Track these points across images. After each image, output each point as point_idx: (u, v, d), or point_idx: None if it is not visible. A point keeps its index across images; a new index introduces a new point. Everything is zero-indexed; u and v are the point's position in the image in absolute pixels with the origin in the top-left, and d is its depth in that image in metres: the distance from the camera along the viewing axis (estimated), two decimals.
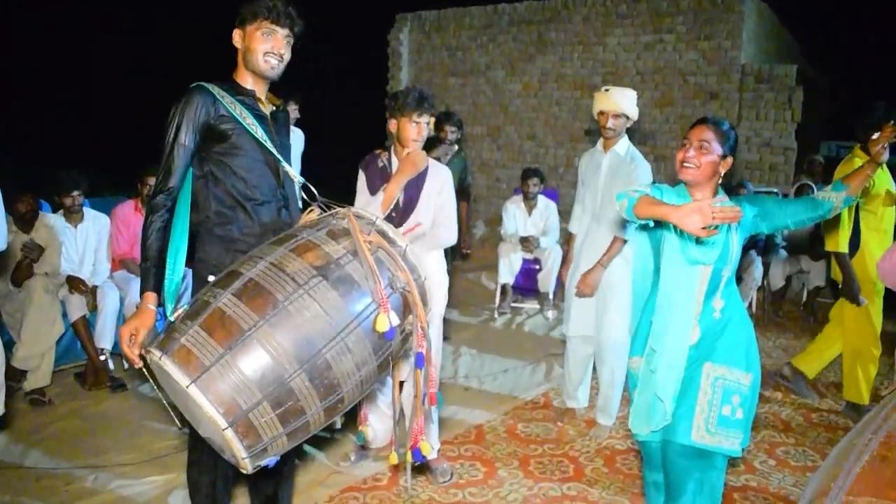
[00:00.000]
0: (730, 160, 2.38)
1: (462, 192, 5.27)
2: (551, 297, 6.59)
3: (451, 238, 3.33)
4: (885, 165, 2.97)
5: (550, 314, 6.46)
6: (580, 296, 3.81)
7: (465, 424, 4.04)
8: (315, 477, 3.35)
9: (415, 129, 3.26)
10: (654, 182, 3.46)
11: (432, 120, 3.36)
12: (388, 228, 2.06)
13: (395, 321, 1.89)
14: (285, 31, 2.32)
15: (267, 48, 2.31)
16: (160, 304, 2.19)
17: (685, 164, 2.35)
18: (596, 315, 3.85)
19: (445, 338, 4.69)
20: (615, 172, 3.73)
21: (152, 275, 2.21)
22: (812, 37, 10.27)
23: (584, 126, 8.84)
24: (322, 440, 3.64)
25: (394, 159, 3.37)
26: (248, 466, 1.81)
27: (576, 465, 3.58)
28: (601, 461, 3.62)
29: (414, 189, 3.28)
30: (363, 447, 3.53)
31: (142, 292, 2.21)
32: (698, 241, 2.28)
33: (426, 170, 3.33)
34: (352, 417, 3.48)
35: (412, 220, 3.27)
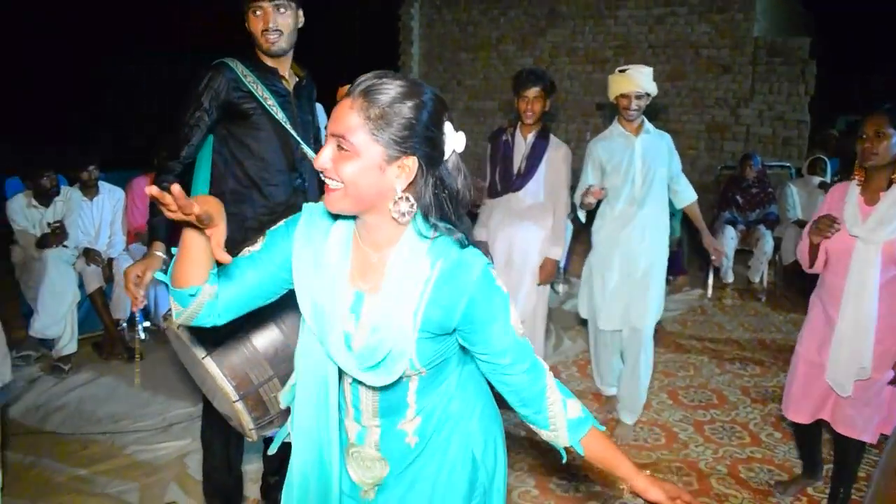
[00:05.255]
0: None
1: None
2: (562, 270, 6.62)
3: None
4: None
5: (561, 288, 6.49)
6: (718, 260, 3.96)
7: None
8: None
9: (523, 103, 3.59)
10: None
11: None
12: None
13: None
14: (272, 3, 2.31)
15: (262, 26, 2.33)
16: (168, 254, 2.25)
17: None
18: (631, 297, 3.59)
19: None
20: (655, 153, 3.54)
21: (161, 228, 2.28)
22: (826, 8, 10.11)
23: (595, 100, 8.81)
24: None
25: (518, 135, 3.73)
26: (253, 436, 1.88)
27: None
28: (607, 431, 3.67)
29: (535, 157, 3.64)
30: None
31: (150, 241, 2.27)
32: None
33: (548, 140, 3.72)
34: None
35: (531, 185, 3.71)
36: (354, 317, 1.38)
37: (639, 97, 3.46)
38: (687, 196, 3.73)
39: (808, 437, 3.10)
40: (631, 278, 3.56)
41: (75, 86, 12.86)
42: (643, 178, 3.54)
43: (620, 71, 3.50)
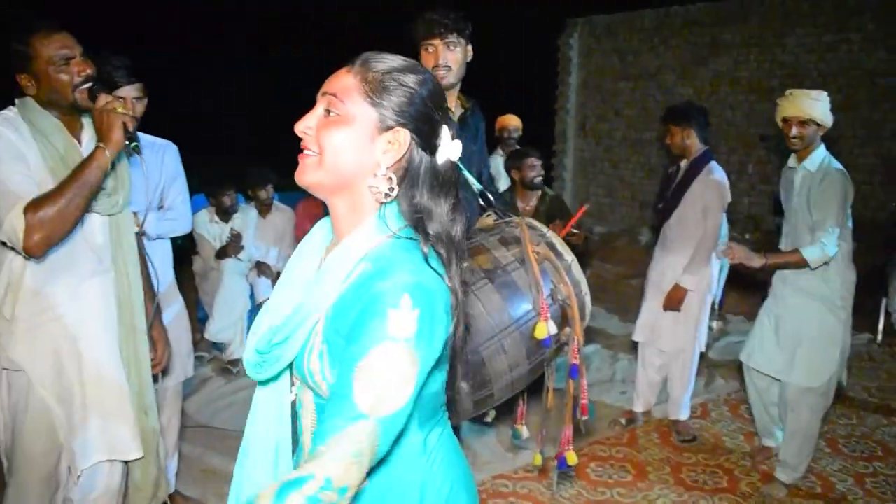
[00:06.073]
0: None
1: None
2: (716, 307, 6.39)
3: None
4: None
5: (715, 324, 6.26)
6: (730, 255, 3.22)
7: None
8: (471, 462, 3.46)
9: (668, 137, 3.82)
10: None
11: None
12: (558, 242, 2.13)
13: (554, 330, 1.97)
14: (442, 41, 2.46)
15: (433, 62, 2.49)
16: None
17: None
18: (782, 346, 3.32)
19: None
20: (806, 192, 3.19)
21: None
22: None
23: (759, 132, 8.46)
24: (478, 428, 3.79)
25: (682, 164, 3.79)
26: None
27: (731, 477, 3.50)
28: (757, 476, 3.51)
29: (683, 186, 3.65)
30: (518, 445, 3.65)
31: None
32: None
33: (701, 169, 3.68)
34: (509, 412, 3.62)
35: (678, 214, 3.67)
36: None
37: (802, 123, 3.13)
38: (812, 252, 3.07)
39: None
40: (781, 327, 3.34)
41: (283, 112, 13.84)
42: (795, 217, 3.29)
43: (789, 93, 3.25)
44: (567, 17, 10.33)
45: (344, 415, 1.05)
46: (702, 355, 4.09)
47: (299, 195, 5.78)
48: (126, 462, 2.26)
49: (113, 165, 2.04)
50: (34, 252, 1.90)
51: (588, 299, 2.15)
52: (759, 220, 7.85)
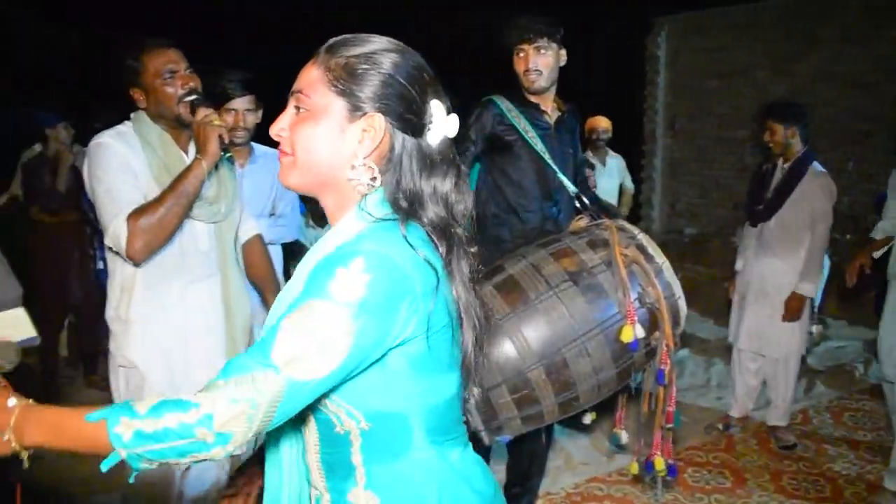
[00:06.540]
0: None
1: None
2: (815, 310, 6.18)
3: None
4: None
5: (815, 328, 6.05)
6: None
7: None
8: (564, 464, 3.55)
9: (766, 135, 3.70)
10: None
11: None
12: (649, 244, 2.14)
13: (640, 334, 1.98)
14: (532, 45, 2.54)
15: (524, 67, 2.56)
16: None
17: None
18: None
19: None
20: None
21: None
22: None
23: (861, 128, 8.12)
24: (575, 431, 3.82)
25: (779, 164, 3.72)
26: (484, 438, 2.06)
27: (834, 486, 3.41)
28: (863, 485, 3.41)
29: (788, 186, 3.58)
30: (618, 447, 3.65)
31: None
32: None
33: (806, 169, 3.59)
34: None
35: (778, 217, 3.58)
36: None
37: None
38: None
39: None
40: None
41: None
42: None
43: None
44: (654, 16, 10.19)
45: (256, 358, 0.97)
46: (801, 360, 4.00)
47: None
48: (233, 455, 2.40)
49: (213, 175, 2.16)
50: (136, 258, 2.00)
51: (682, 303, 2.15)
52: (859, 220, 7.54)
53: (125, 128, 2.16)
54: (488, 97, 2.63)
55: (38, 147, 4.54)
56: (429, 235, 1.10)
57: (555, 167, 2.60)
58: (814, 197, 3.58)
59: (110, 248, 2.08)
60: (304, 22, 7.98)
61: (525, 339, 2.01)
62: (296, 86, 1.10)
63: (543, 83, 2.59)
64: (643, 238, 2.18)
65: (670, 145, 10.10)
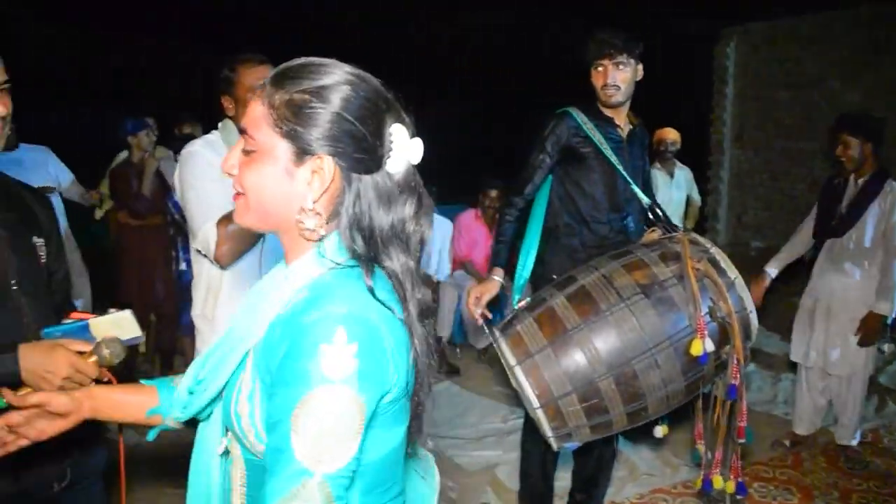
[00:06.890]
0: None
1: None
2: (888, 327, 6.01)
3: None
4: None
5: (887, 347, 5.90)
6: None
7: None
8: (628, 474, 3.58)
9: (839, 148, 3.60)
10: None
11: None
12: (721, 258, 2.18)
13: (710, 348, 2.02)
14: (612, 61, 2.59)
15: (602, 81, 2.62)
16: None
17: None
18: None
19: None
20: None
21: (502, 253, 2.67)
22: None
23: None
24: (644, 443, 3.83)
25: (851, 178, 3.64)
26: (553, 444, 2.13)
27: None
28: None
29: (862, 201, 3.51)
30: (697, 464, 3.64)
31: (491, 266, 2.67)
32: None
33: (882, 184, 3.51)
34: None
35: (851, 233, 3.52)
36: None
37: None
38: None
39: None
40: None
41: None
42: None
43: None
44: (723, 28, 10.07)
45: (286, 474, 0.91)
46: (870, 379, 3.94)
47: (458, 208, 6.03)
48: None
49: None
50: (223, 261, 2.07)
51: (754, 318, 2.18)
52: None
53: (213, 136, 2.26)
54: (564, 109, 2.69)
55: (123, 154, 4.78)
56: (390, 280, 1.04)
57: (629, 179, 2.65)
58: (888, 215, 3.52)
59: (198, 251, 2.17)
60: (305, 22, 8.08)
61: (596, 349, 2.07)
62: (242, 122, 1.05)
63: (620, 98, 2.64)
64: (715, 252, 2.21)
65: (738, 156, 9.94)
